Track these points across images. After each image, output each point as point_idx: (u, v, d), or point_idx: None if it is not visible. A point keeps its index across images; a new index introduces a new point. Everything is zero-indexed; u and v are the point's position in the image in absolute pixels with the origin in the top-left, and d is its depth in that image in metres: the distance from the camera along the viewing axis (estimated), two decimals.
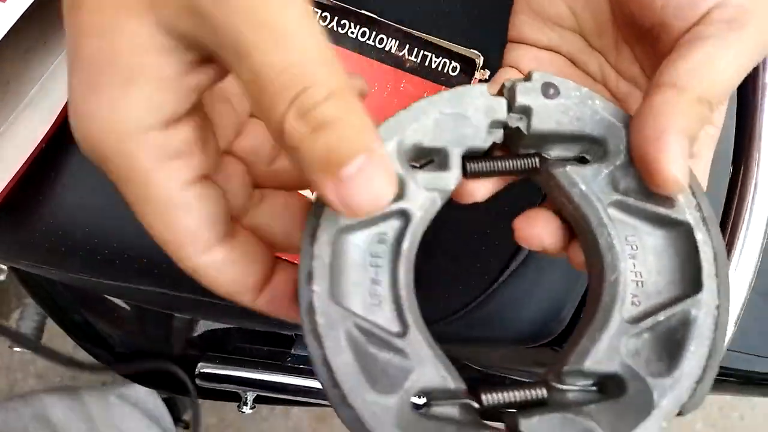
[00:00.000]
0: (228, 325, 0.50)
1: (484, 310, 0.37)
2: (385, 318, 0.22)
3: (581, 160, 0.25)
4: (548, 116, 0.23)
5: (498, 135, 0.24)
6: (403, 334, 0.22)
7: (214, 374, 0.41)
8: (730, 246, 0.33)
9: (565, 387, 0.23)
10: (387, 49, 0.36)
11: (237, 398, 0.44)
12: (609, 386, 0.23)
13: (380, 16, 0.36)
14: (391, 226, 0.23)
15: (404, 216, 0.23)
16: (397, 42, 0.36)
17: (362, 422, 0.20)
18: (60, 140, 0.38)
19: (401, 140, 0.23)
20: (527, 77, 0.24)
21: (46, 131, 0.38)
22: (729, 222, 0.33)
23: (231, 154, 0.25)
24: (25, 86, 0.39)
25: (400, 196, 0.23)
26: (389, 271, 0.23)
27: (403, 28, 0.36)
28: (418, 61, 0.36)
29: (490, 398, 0.22)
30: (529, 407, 0.22)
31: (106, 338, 0.52)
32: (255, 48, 0.19)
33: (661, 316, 0.23)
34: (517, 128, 0.24)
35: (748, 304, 0.35)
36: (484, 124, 0.23)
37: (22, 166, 0.37)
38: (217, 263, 0.22)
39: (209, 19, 0.19)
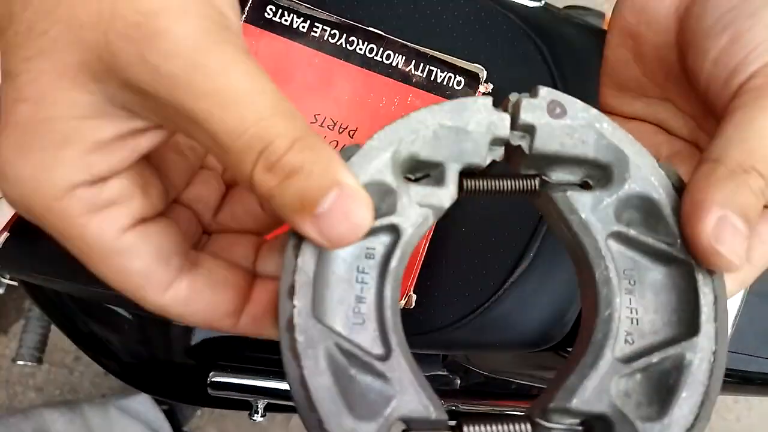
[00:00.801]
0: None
1: (490, 316, 0.38)
2: (367, 339, 0.21)
3: (584, 185, 0.24)
4: (552, 137, 0.22)
5: (498, 153, 0.23)
6: (385, 357, 0.21)
7: (226, 383, 0.42)
8: None
9: (549, 425, 0.21)
10: (394, 64, 0.37)
11: (248, 407, 0.45)
12: (596, 427, 0.21)
13: (387, 33, 0.38)
14: (381, 241, 0.22)
15: (394, 231, 0.22)
16: (404, 57, 0.37)
17: None
18: None
19: (397, 150, 0.21)
20: (533, 93, 0.22)
21: None
22: None
23: (178, 202, 0.25)
24: None
25: (391, 210, 0.22)
26: (375, 289, 0.21)
27: (409, 44, 0.37)
28: (424, 75, 0.37)
29: (472, 430, 0.21)
30: None
31: (112, 348, 0.53)
32: (207, 118, 0.19)
33: (654, 358, 0.21)
34: (519, 147, 0.22)
35: (745, 305, 0.36)
36: (485, 140, 0.22)
37: None
38: (181, 298, 0.22)
39: (152, 95, 0.19)
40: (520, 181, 0.23)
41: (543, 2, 0.47)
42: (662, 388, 0.21)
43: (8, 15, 0.20)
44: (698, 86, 0.26)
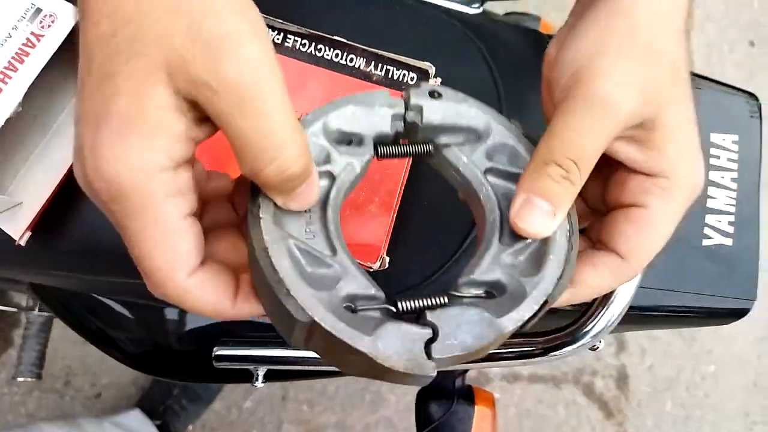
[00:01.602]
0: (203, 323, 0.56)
1: (452, 273, 0.45)
2: (318, 245, 0.28)
3: (462, 143, 0.32)
4: (435, 112, 0.30)
5: (399, 126, 0.30)
6: (333, 254, 0.28)
7: (230, 355, 0.47)
8: None
9: (461, 294, 0.28)
10: (356, 66, 0.44)
11: (249, 378, 0.51)
12: (495, 291, 0.29)
13: (350, 41, 0.45)
14: (321, 184, 0.29)
15: (330, 176, 0.29)
16: (365, 60, 0.44)
17: (303, 308, 0.25)
18: None
19: (326, 122, 0.29)
20: (417, 85, 0.31)
21: (72, 157, 0.44)
22: None
23: None
24: (52, 117, 0.46)
25: (327, 161, 0.29)
26: (319, 213, 0.29)
27: (369, 48, 0.44)
28: (383, 74, 0.44)
29: (404, 304, 0.27)
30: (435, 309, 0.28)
31: (117, 342, 0.58)
32: (245, 135, 0.24)
33: (529, 240, 0.30)
34: (414, 122, 0.30)
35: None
36: (388, 115, 0.30)
37: (54, 189, 0.44)
38: (199, 282, 0.26)
39: (208, 98, 0.24)
40: (419, 147, 0.31)
41: (482, 9, 0.55)
42: (536, 257, 0.29)
43: (112, 31, 0.24)
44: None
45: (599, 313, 0.39)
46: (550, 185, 0.28)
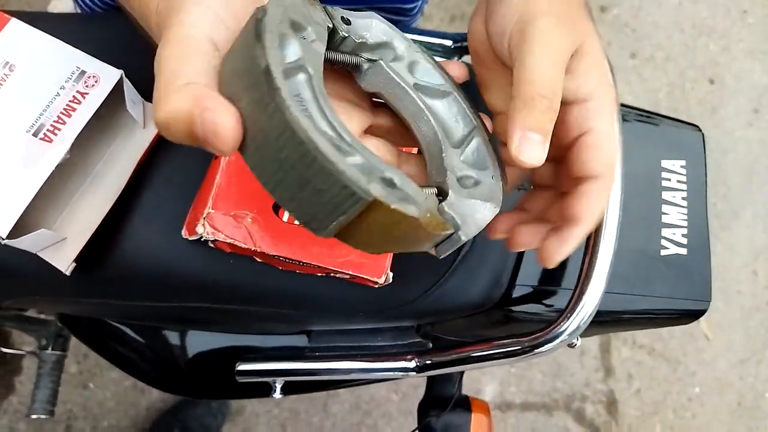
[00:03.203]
0: (222, 345, 0.62)
1: (446, 287, 0.51)
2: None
3: (390, 61, 0.34)
4: (363, 29, 0.33)
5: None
6: (349, 146, 0.26)
7: (252, 370, 0.53)
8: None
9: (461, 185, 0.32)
10: None
11: (267, 391, 0.56)
12: (469, 182, 0.33)
13: None
14: (302, 77, 0.26)
15: (302, 69, 0.26)
16: None
17: (359, 185, 0.23)
18: (128, 193, 0.50)
19: (287, 17, 0.27)
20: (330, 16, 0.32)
21: (113, 196, 0.51)
22: None
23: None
24: (92, 163, 0.52)
25: (301, 56, 0.27)
26: (315, 103, 0.26)
27: None
28: None
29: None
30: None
31: (141, 363, 0.63)
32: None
33: (466, 141, 0.34)
34: (349, 37, 0.32)
35: (625, 257, 0.50)
36: (323, 22, 0.31)
37: (96, 225, 0.50)
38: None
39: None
40: (353, 58, 0.33)
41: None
42: (479, 155, 0.34)
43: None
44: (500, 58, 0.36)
45: (574, 312, 0.45)
46: (540, 118, 0.31)
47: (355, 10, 0.33)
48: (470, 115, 0.36)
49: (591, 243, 0.46)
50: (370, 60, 0.34)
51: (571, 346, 0.47)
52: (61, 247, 0.50)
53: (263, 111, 0.24)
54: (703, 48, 1.84)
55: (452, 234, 0.30)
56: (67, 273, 0.49)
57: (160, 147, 0.53)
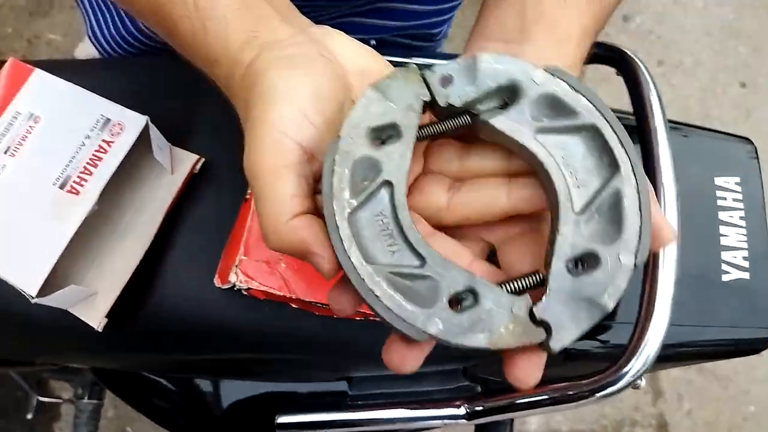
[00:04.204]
0: (257, 393, 0.59)
1: None
2: (405, 258, 0.28)
3: (503, 106, 0.30)
4: (463, 87, 0.29)
5: (427, 99, 0.30)
6: (422, 264, 0.28)
7: (294, 422, 0.49)
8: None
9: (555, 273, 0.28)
10: None
11: None
12: (583, 263, 0.28)
13: None
14: (383, 194, 0.28)
15: (388, 184, 0.28)
16: None
17: (416, 327, 0.26)
18: (158, 242, 0.49)
19: (357, 126, 0.28)
20: (429, 67, 0.30)
21: (143, 246, 0.49)
22: None
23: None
24: (121, 214, 0.51)
25: (378, 171, 0.28)
26: (394, 223, 0.28)
27: None
28: None
29: (509, 286, 0.28)
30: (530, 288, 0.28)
31: (176, 415, 0.61)
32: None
33: (599, 200, 0.28)
34: (448, 105, 0.29)
35: (685, 283, 0.47)
36: (414, 99, 0.29)
37: (128, 277, 0.48)
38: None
39: None
40: (457, 120, 0.30)
41: None
42: (613, 218, 0.28)
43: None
44: None
45: (638, 350, 0.42)
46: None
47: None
48: (616, 155, 0.29)
49: (649, 272, 0.43)
50: (475, 114, 0.30)
51: (635, 387, 0.44)
52: (92, 301, 0.48)
53: (335, 246, 0.28)
54: (732, 50, 1.79)
55: (540, 344, 0.27)
56: (99, 329, 0.47)
57: (188, 192, 0.51)
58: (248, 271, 0.46)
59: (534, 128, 0.29)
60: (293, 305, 0.47)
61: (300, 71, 0.30)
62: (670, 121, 0.53)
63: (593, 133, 0.29)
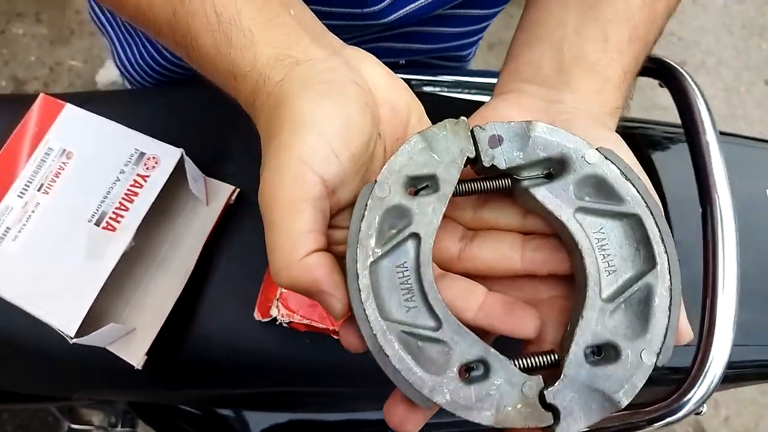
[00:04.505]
0: (282, 420, 0.58)
1: None
2: (421, 318, 0.27)
3: (547, 176, 0.30)
4: (509, 152, 0.29)
5: (471, 155, 0.29)
6: (437, 326, 0.27)
7: None
8: (714, 265, 0.43)
9: (572, 356, 0.27)
10: None
11: None
12: (602, 353, 0.27)
13: None
14: (408, 247, 0.28)
15: (416, 236, 0.28)
16: None
17: (421, 394, 0.26)
18: (196, 276, 0.48)
19: (401, 175, 0.28)
20: (482, 127, 0.29)
21: (182, 281, 0.48)
22: (709, 246, 0.44)
23: None
24: (156, 248, 0.50)
25: (408, 222, 0.28)
26: (415, 280, 0.28)
27: None
28: None
29: (521, 361, 0.28)
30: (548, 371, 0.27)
31: None
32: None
33: (629, 292, 0.28)
34: (492, 165, 0.29)
35: (743, 301, 0.45)
36: (461, 159, 0.29)
37: (167, 313, 0.47)
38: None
39: None
40: (497, 182, 0.30)
41: None
42: (640, 313, 0.28)
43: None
44: None
45: (700, 377, 0.40)
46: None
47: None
48: (654, 249, 0.28)
49: (709, 292, 0.41)
50: (517, 179, 0.30)
51: (697, 414, 0.42)
52: (131, 339, 0.47)
53: (351, 294, 0.27)
54: (755, 48, 1.76)
55: (546, 427, 0.27)
56: (139, 367, 0.46)
57: (224, 223, 0.50)
58: (290, 305, 0.44)
59: (575, 206, 0.29)
60: (335, 336, 0.46)
61: (332, 101, 0.28)
62: (722, 133, 0.51)
63: (635, 223, 0.29)
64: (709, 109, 0.45)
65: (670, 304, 0.28)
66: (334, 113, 0.28)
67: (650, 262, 0.28)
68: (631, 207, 0.29)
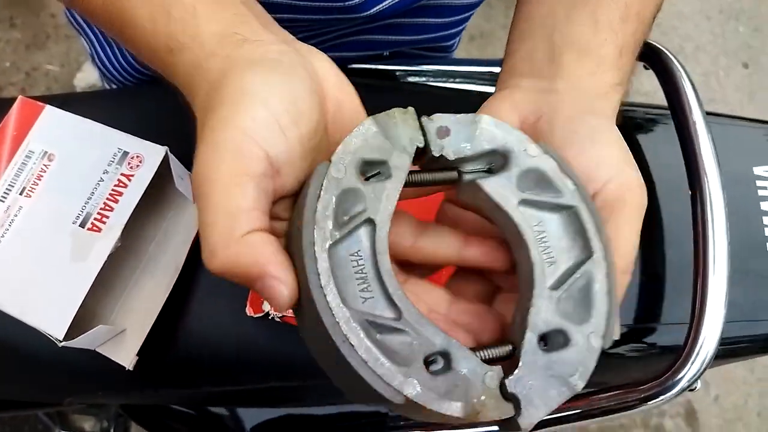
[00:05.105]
0: (276, 415, 0.57)
1: None
2: (379, 307, 0.26)
3: (489, 171, 0.30)
4: (459, 142, 0.29)
5: (420, 146, 0.29)
6: (398, 317, 0.26)
7: None
8: (704, 245, 0.43)
9: (526, 344, 0.27)
10: None
11: None
12: (553, 340, 0.28)
13: None
14: (362, 233, 0.27)
15: (370, 222, 0.27)
16: None
17: (393, 387, 0.24)
18: (184, 274, 0.47)
19: (356, 157, 0.27)
20: (429, 117, 0.29)
21: (171, 280, 0.47)
22: (699, 226, 0.44)
23: None
24: (143, 248, 0.49)
25: (363, 207, 0.27)
26: (371, 268, 0.26)
27: None
28: None
29: (483, 353, 0.27)
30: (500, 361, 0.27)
31: None
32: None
33: (572, 279, 0.28)
34: (441, 156, 0.29)
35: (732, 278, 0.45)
36: (409, 142, 0.28)
37: (156, 314, 0.47)
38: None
39: None
40: (445, 174, 0.30)
41: None
42: (583, 299, 0.28)
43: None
44: None
45: (693, 354, 0.40)
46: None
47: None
48: (592, 239, 0.29)
49: (700, 271, 0.41)
50: (463, 173, 0.30)
51: (691, 390, 0.42)
52: (122, 340, 0.47)
53: (302, 284, 0.25)
54: (732, 32, 1.78)
55: (509, 418, 0.26)
56: (130, 368, 0.46)
57: None
58: None
59: (518, 198, 0.29)
60: None
61: (281, 78, 0.26)
62: (708, 113, 0.51)
63: (572, 215, 0.30)
64: (695, 90, 0.45)
65: (608, 290, 0.29)
66: (284, 90, 0.26)
67: (587, 251, 0.29)
68: (568, 199, 0.29)
